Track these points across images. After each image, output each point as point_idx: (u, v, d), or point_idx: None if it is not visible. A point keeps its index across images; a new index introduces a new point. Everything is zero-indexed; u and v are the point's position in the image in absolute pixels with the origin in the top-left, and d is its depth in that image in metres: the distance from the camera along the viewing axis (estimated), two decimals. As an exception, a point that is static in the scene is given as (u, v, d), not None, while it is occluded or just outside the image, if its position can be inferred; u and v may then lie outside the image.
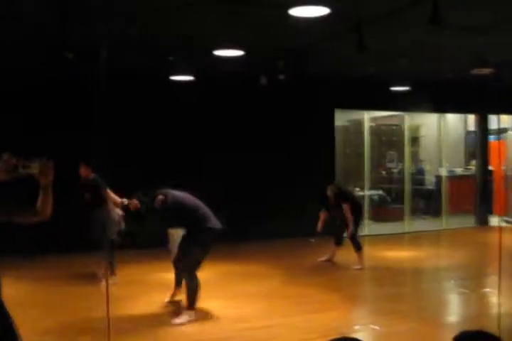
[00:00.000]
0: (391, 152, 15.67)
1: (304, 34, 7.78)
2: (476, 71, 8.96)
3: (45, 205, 3.40)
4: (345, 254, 9.61)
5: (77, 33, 7.54)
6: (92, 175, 8.25)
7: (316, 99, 12.03)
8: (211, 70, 9.76)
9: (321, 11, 5.40)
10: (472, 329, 2.59)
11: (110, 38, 7.73)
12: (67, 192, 7.83)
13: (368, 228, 13.07)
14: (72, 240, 9.41)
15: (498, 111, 14.58)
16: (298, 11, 5.41)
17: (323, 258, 9.76)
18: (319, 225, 9.48)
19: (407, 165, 14.29)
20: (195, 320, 6.31)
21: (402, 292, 7.80)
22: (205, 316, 6.54)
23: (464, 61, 9.32)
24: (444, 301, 7.64)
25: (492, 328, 5.89)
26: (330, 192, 9.33)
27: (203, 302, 6.98)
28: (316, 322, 6.28)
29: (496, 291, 8.00)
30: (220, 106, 11.26)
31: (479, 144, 14.50)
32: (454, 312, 7.27)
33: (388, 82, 10.90)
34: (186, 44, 8.15)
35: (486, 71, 9.00)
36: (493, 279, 8.77)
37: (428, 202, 15.56)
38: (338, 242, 9.68)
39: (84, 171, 8.30)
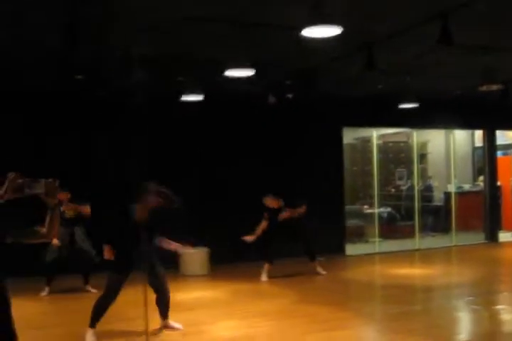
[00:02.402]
0: (400, 169, 15.68)
1: (315, 54, 7.85)
2: (484, 88, 8.99)
3: (52, 226, 3.44)
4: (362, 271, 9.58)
5: (87, 55, 7.63)
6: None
7: (325, 118, 12.08)
8: (220, 90, 9.82)
9: (332, 31, 5.44)
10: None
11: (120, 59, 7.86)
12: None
13: (378, 245, 13.08)
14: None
15: (506, 127, 14.64)
16: (309, 32, 5.46)
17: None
18: None
19: (416, 182, 14.30)
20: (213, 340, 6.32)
21: (414, 310, 7.73)
22: (221, 335, 6.55)
23: (472, 78, 9.36)
24: (457, 319, 7.59)
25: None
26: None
27: (217, 322, 7.01)
28: (329, 340, 6.27)
29: (509, 308, 8.02)
30: (229, 125, 11.32)
31: (487, 160, 14.49)
32: (467, 330, 7.21)
33: (397, 100, 10.93)
34: (197, 65, 8.22)
35: (494, 87, 9.04)
36: (505, 296, 8.79)
37: (437, 218, 15.54)
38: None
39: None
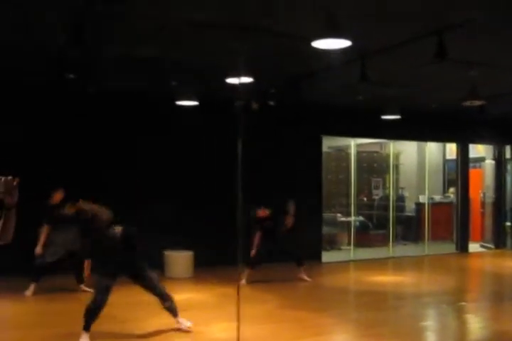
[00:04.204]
0: (376, 179, 15.93)
1: (313, 64, 8.01)
2: (468, 103, 9.24)
3: (7, 228, 3.06)
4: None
5: (82, 55, 7.67)
6: None
7: (305, 126, 12.25)
8: (211, 96, 9.93)
9: (341, 43, 5.60)
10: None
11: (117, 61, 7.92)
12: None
13: (352, 253, 13.28)
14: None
15: (479, 140, 15.01)
16: (321, 44, 5.61)
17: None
18: None
19: (391, 192, 14.58)
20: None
21: (389, 316, 7.93)
22: (216, 337, 6.68)
23: (453, 92, 9.62)
24: (428, 327, 7.73)
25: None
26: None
27: (210, 324, 7.09)
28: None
29: (477, 317, 8.26)
30: (212, 131, 11.41)
31: (460, 172, 14.84)
32: (438, 338, 7.41)
33: (378, 111, 11.16)
34: (195, 70, 8.32)
35: (477, 103, 9.29)
36: (474, 305, 9.04)
37: (408, 228, 15.82)
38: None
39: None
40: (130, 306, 8.02)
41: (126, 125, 10.69)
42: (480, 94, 9.00)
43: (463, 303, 9.00)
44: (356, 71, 7.74)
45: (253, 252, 9.86)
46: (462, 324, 7.94)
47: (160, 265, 10.17)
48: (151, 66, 8.25)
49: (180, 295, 8.88)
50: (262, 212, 10.00)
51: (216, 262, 10.77)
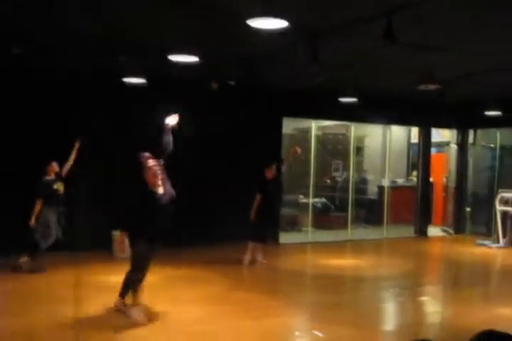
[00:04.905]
0: (337, 161, 15.89)
1: (258, 44, 7.86)
2: (423, 87, 9.17)
3: None
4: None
5: (29, 29, 7.50)
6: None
7: (265, 107, 12.13)
8: (164, 73, 9.77)
9: (278, 23, 5.47)
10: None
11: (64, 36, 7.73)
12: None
13: (310, 235, 13.26)
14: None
15: (441, 125, 15.01)
16: (256, 22, 5.47)
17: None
18: None
19: (352, 175, 14.56)
20: (144, 324, 6.33)
21: (343, 299, 7.95)
22: (153, 320, 6.56)
23: (412, 76, 9.55)
24: (383, 309, 7.82)
25: (427, 336, 6.12)
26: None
27: (151, 306, 7.02)
28: (260, 327, 6.37)
29: (432, 299, 8.30)
30: (169, 109, 11.22)
31: (421, 156, 14.85)
32: (392, 320, 7.47)
33: (337, 93, 11.08)
34: (140, 46, 8.15)
35: (432, 87, 9.22)
36: (429, 288, 9.08)
37: (370, 211, 15.84)
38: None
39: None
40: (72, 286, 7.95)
41: (68, 103, 10.44)
42: (435, 78, 8.94)
43: (413, 288, 9.02)
44: (308, 53, 7.63)
45: (253, 216, 9.76)
46: (416, 307, 7.95)
47: (109, 245, 10.07)
48: (92, 43, 8.05)
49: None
50: (270, 173, 10.02)
51: (171, 244, 10.67)
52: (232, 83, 10.61)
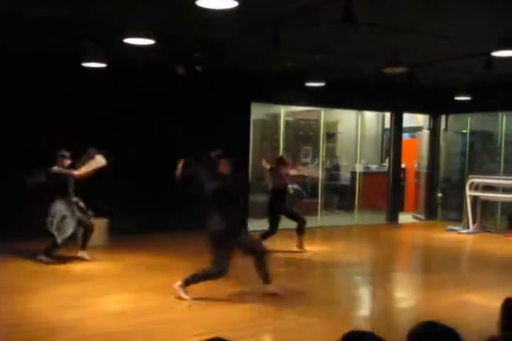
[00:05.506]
0: (306, 147, 15.76)
1: (219, 26, 7.68)
2: (388, 70, 9.05)
3: None
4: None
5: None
6: None
7: (234, 92, 11.94)
8: (125, 58, 9.54)
9: (228, 3, 5.28)
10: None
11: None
12: None
13: (282, 221, 13.11)
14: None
15: (413, 109, 14.92)
16: (205, 3, 5.28)
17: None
18: None
19: (323, 161, 14.44)
20: (97, 314, 6.18)
21: (311, 286, 7.81)
22: (108, 309, 6.43)
23: (378, 59, 9.42)
24: (352, 296, 7.69)
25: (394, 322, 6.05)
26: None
27: (106, 295, 6.89)
28: (215, 316, 6.23)
29: (400, 286, 8.25)
30: (134, 94, 11.03)
31: (393, 142, 14.75)
32: (362, 306, 7.41)
33: (304, 77, 10.92)
34: (96, 30, 7.93)
35: (398, 70, 9.09)
36: (398, 275, 9.02)
37: (343, 197, 15.76)
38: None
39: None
40: (29, 275, 7.83)
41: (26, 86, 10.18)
42: (401, 61, 8.80)
43: (380, 274, 8.95)
44: (270, 36, 7.45)
45: None
46: (383, 294, 7.83)
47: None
48: (47, 26, 7.83)
49: (85, 265, 8.67)
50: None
51: (138, 231, 10.54)
52: (198, 68, 10.39)
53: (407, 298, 7.72)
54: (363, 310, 7.25)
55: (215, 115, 11.84)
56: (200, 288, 7.04)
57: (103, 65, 8.96)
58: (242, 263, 9.04)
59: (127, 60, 9.92)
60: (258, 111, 14.12)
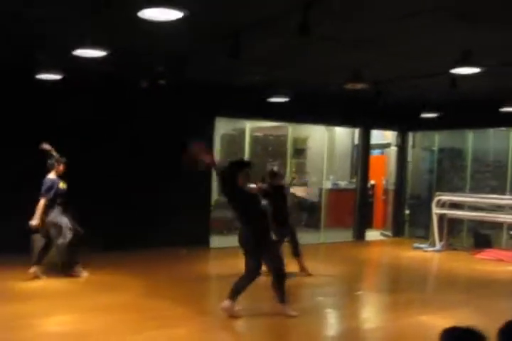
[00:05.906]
0: (272, 163, 15.55)
1: (172, 38, 7.49)
2: (349, 86, 8.93)
3: None
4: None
5: None
6: None
7: (198, 106, 11.73)
8: (80, 70, 9.28)
9: (173, 14, 5.09)
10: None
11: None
12: None
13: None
14: None
15: (380, 126, 14.84)
16: (148, 14, 5.07)
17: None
18: None
19: (288, 177, 14.22)
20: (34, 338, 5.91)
21: (264, 308, 7.51)
22: (48, 330, 6.21)
23: (344, 75, 9.27)
24: (316, 317, 7.43)
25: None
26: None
27: (51, 316, 6.64)
28: (157, 340, 6.00)
29: (366, 306, 8.10)
30: (93, 108, 10.80)
31: (361, 158, 14.64)
32: (328, 328, 7.24)
33: (270, 92, 10.78)
34: (48, 42, 7.71)
35: (359, 86, 8.98)
36: (363, 295, 8.84)
37: (310, 215, 15.51)
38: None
39: None
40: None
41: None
42: (362, 77, 8.68)
43: (339, 294, 8.75)
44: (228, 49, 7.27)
45: None
46: (351, 314, 7.69)
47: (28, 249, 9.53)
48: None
49: (38, 282, 8.37)
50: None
51: (101, 248, 10.24)
52: (162, 82, 10.18)
53: (372, 318, 7.58)
54: (329, 330, 7.08)
55: (179, 128, 11.56)
56: (141, 307, 6.84)
57: (58, 77, 8.73)
58: (199, 283, 8.88)
59: (84, 72, 9.67)
60: (227, 126, 13.97)
